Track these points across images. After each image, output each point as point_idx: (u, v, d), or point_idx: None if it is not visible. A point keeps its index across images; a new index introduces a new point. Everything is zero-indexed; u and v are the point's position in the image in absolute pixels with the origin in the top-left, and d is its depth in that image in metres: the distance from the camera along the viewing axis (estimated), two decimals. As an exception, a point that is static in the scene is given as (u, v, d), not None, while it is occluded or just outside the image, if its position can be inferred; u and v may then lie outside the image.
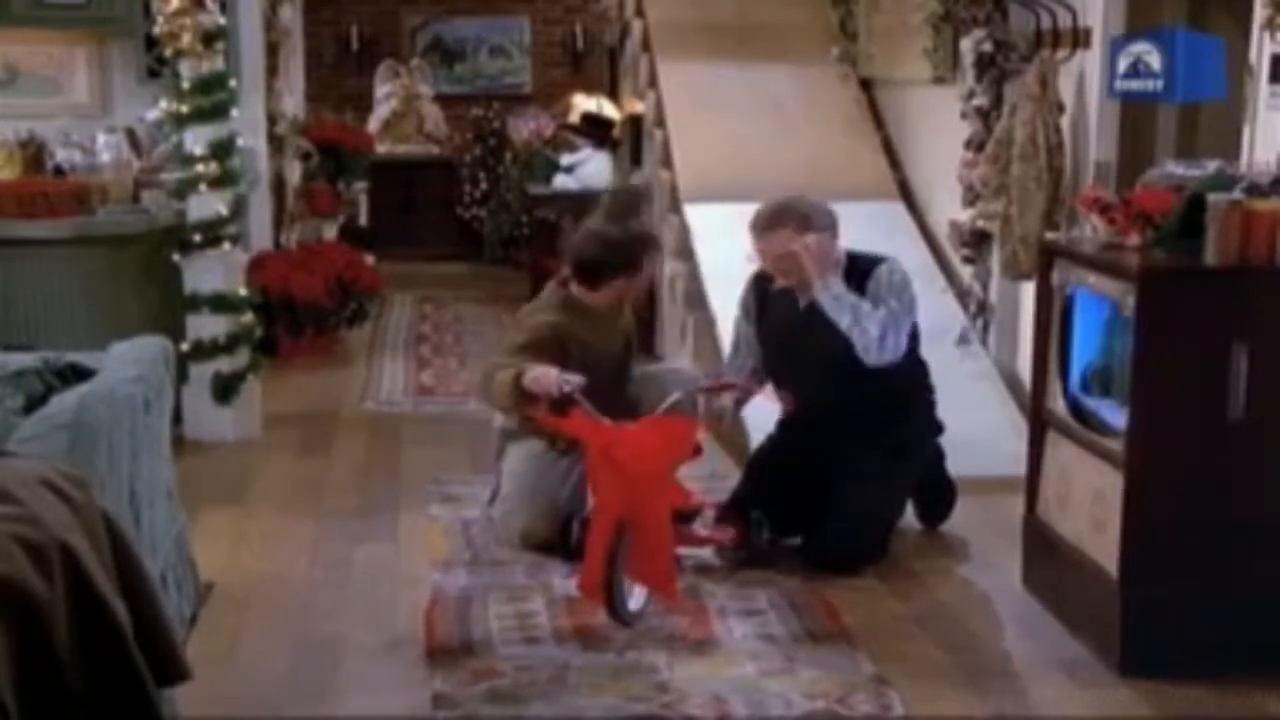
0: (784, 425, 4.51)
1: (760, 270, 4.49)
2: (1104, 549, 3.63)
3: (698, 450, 4.04)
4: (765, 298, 4.47)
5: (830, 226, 4.30)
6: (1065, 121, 5.28)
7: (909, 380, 4.38)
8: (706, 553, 4.35)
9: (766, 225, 4.28)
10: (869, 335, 4.18)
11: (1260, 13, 4.26)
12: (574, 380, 3.98)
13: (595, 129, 9.70)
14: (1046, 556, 4.01)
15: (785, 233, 4.24)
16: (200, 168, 5.54)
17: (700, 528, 4.35)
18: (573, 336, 4.32)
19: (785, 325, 4.39)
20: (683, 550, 4.22)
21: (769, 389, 4.47)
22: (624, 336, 4.59)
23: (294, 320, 7.10)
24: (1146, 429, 3.51)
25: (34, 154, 6.20)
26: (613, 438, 3.93)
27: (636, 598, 3.85)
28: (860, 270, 4.31)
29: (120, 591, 2.45)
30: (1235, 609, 3.52)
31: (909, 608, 4.03)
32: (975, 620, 3.96)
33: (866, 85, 7.51)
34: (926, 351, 4.55)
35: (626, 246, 4.43)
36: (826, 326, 4.22)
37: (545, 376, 3.98)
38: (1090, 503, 3.74)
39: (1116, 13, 5.12)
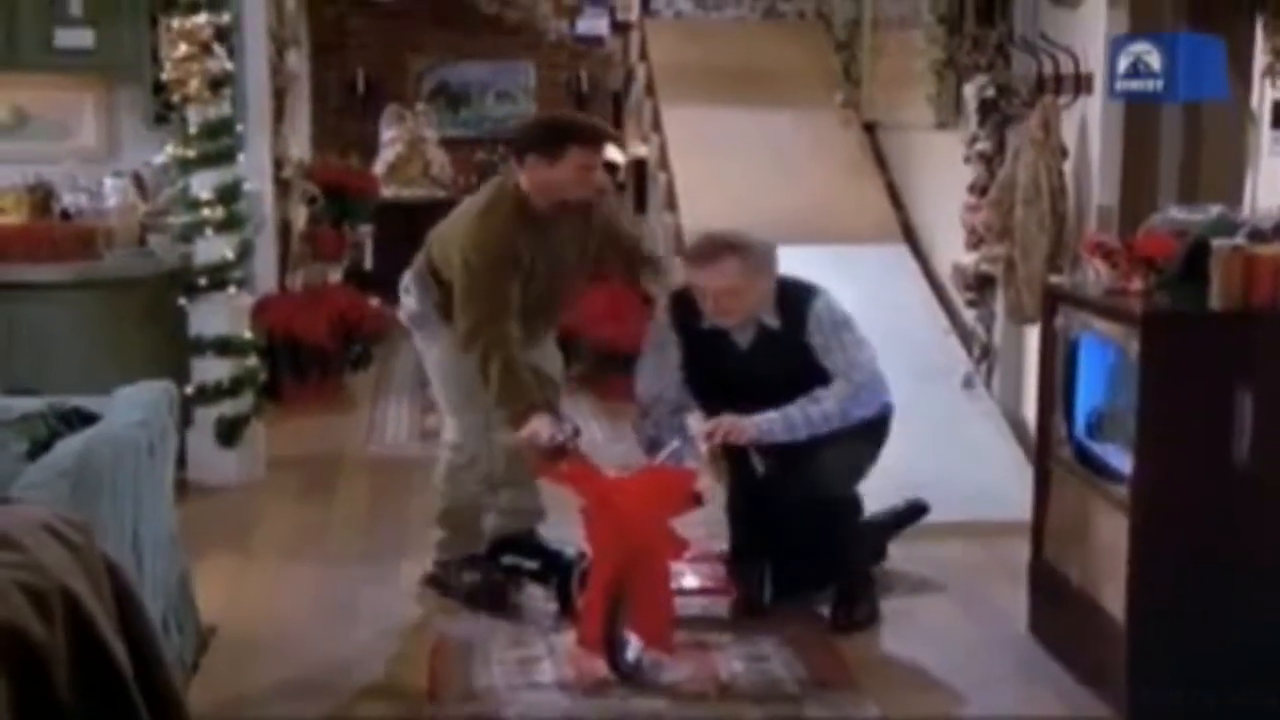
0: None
1: (677, 294, 4.24)
2: (1111, 594, 3.62)
3: (698, 500, 3.93)
4: (689, 331, 4.17)
5: (768, 261, 4.07)
6: (1068, 166, 5.30)
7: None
8: (707, 601, 4.32)
9: (709, 255, 4.02)
10: (838, 417, 4.00)
11: (1261, 60, 4.29)
12: (568, 429, 3.99)
13: (599, 172, 9.72)
14: (1053, 602, 3.99)
15: (730, 262, 3.99)
16: (206, 212, 5.56)
17: (701, 580, 4.32)
18: (519, 244, 4.06)
19: (728, 372, 4.17)
20: (680, 602, 4.19)
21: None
22: (581, 245, 4.28)
23: (298, 363, 7.10)
24: (1152, 473, 3.50)
25: (41, 198, 6.21)
26: (610, 488, 3.92)
27: (632, 649, 3.82)
28: (793, 301, 4.09)
29: (122, 637, 2.44)
30: (1244, 653, 3.49)
31: (914, 652, 4.01)
32: (981, 666, 3.93)
33: (870, 130, 7.55)
34: (930, 393, 4.54)
35: (555, 125, 4.23)
36: (774, 365, 4.07)
37: (539, 430, 3.95)
38: (1096, 547, 3.72)
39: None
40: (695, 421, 4.08)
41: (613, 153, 10.20)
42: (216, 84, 5.50)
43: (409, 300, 4.33)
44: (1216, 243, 3.51)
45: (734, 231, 4.14)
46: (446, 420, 4.42)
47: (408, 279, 4.36)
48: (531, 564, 4.38)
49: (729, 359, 4.16)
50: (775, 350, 4.10)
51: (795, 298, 4.11)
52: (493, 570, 4.34)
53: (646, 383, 4.26)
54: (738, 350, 4.14)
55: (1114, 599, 3.59)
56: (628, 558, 3.77)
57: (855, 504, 4.31)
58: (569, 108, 11.64)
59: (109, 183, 6.09)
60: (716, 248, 4.04)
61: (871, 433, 4.18)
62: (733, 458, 4.32)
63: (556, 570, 4.29)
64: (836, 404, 4.01)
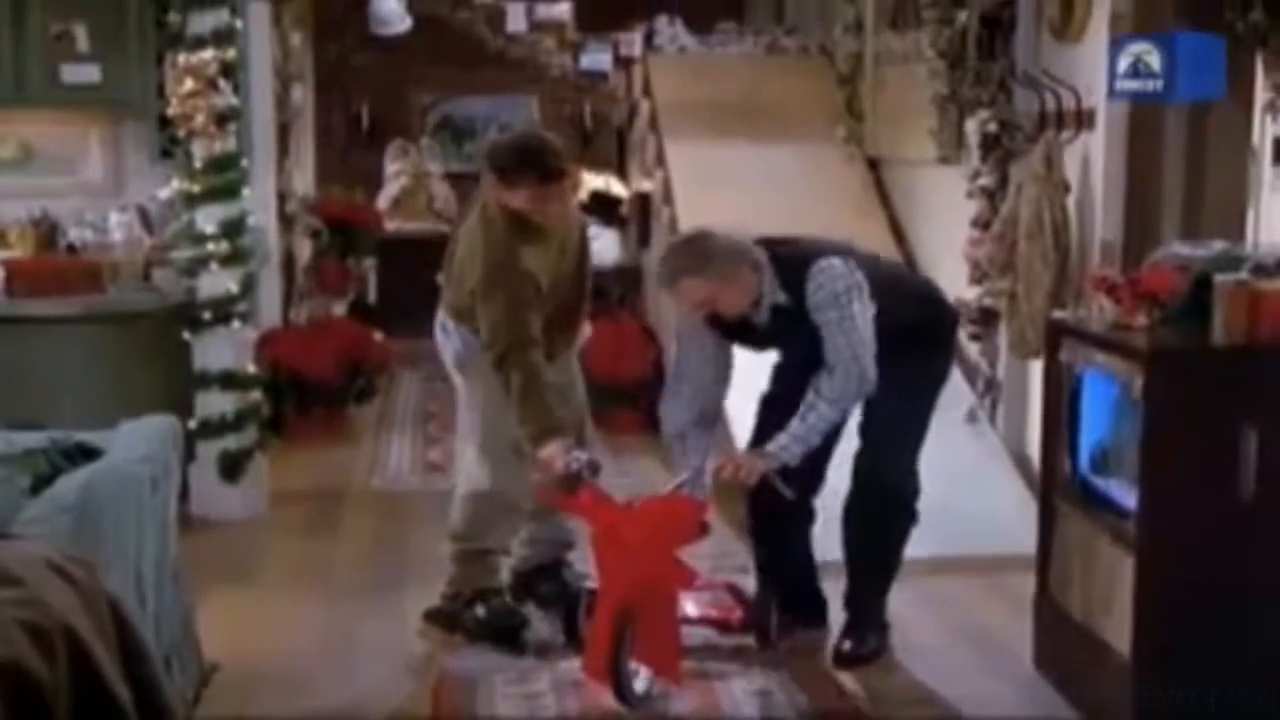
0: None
1: None
2: (1116, 629, 3.61)
3: (704, 529, 3.97)
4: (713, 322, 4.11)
5: (733, 263, 3.94)
6: (1070, 201, 5.31)
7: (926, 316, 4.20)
8: (713, 631, 4.31)
9: (670, 281, 3.98)
10: (838, 414, 4.03)
11: (1261, 96, 4.30)
12: (582, 458, 3.99)
13: (603, 207, 9.76)
14: (1058, 636, 3.98)
15: (690, 281, 3.92)
16: (211, 246, 5.57)
17: (705, 609, 4.32)
18: (527, 257, 4.10)
19: (758, 343, 4.19)
20: (686, 631, 4.19)
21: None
22: (575, 255, 4.37)
23: (302, 397, 7.10)
24: (1156, 509, 3.49)
25: (46, 232, 6.25)
26: (618, 517, 3.92)
27: (641, 679, 3.81)
28: (793, 280, 3.98)
29: (123, 674, 2.44)
30: (1249, 690, 3.48)
31: (919, 686, 4.00)
32: (985, 700, 3.92)
33: (873, 164, 7.57)
34: (933, 427, 4.50)
35: (513, 155, 4.15)
36: (798, 334, 4.01)
37: (554, 456, 3.95)
38: (1101, 583, 3.71)
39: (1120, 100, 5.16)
40: (710, 459, 4.11)
41: (616, 187, 10.26)
42: (222, 119, 5.53)
43: (450, 342, 4.33)
44: (1220, 278, 3.52)
45: (691, 242, 4.05)
46: (473, 466, 4.33)
47: (443, 318, 4.39)
48: (542, 594, 4.42)
49: (754, 335, 4.13)
50: (792, 323, 4.02)
51: (794, 274, 4.00)
52: (503, 605, 4.33)
53: (673, 369, 4.25)
54: (758, 327, 4.08)
55: (1119, 634, 3.58)
56: (635, 587, 3.77)
57: (888, 538, 4.30)
58: (574, 142, 11.69)
59: (114, 217, 6.12)
60: (673, 274, 3.96)
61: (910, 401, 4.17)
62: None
63: (565, 601, 4.30)
64: (829, 406, 3.97)
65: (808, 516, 4.33)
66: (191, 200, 5.62)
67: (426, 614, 4.40)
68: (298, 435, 6.98)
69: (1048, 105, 5.47)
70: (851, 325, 3.94)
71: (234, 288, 5.62)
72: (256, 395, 5.79)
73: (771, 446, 4.03)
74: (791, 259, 4.04)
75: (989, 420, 5.98)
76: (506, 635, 4.24)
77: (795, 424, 3.99)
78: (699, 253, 3.96)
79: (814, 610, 4.35)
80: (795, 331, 4.04)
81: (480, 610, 4.30)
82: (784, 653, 4.17)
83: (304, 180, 8.89)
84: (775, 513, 4.23)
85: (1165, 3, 4.90)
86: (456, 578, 4.35)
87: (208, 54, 5.45)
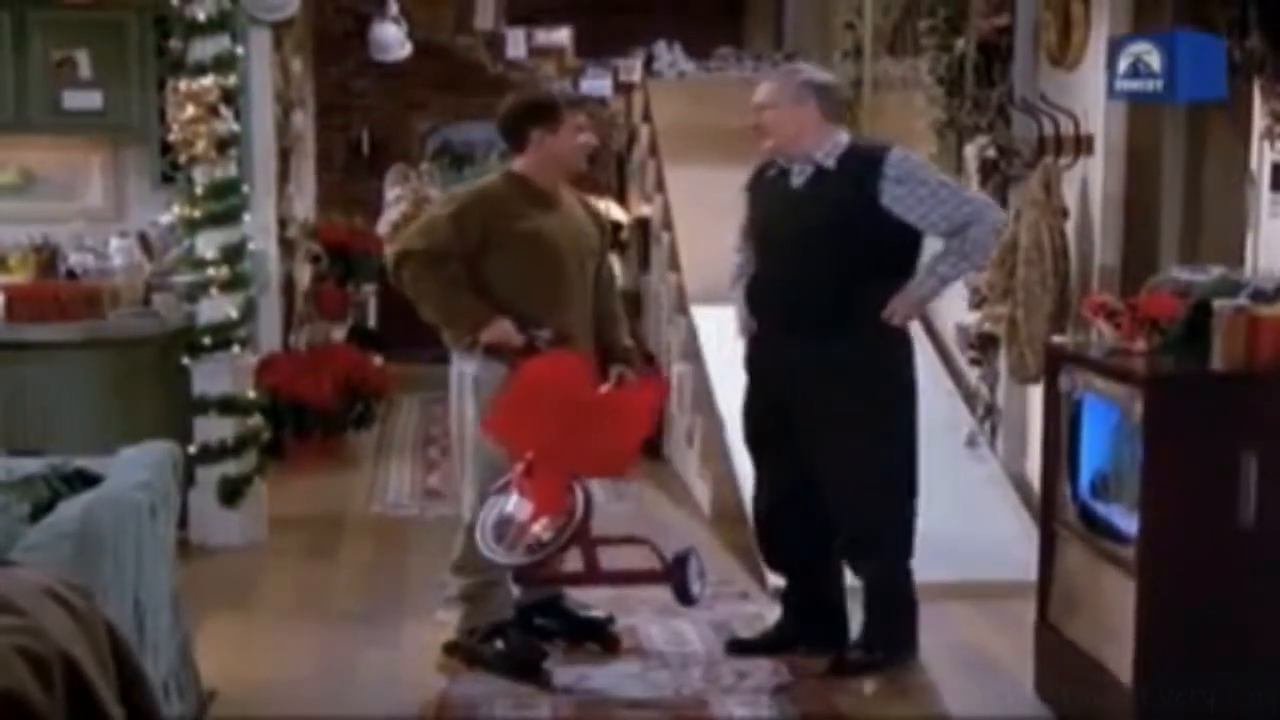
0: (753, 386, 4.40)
1: (760, 165, 4.43)
2: (1117, 656, 3.60)
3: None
4: (760, 182, 4.40)
5: (811, 96, 4.18)
6: (1069, 226, 5.32)
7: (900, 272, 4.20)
8: (698, 647, 4.32)
9: (764, 79, 4.38)
10: (972, 256, 4.19)
11: (1259, 122, 4.32)
12: (543, 334, 4.05)
13: (603, 232, 9.77)
14: (1059, 663, 3.97)
15: (767, 85, 4.26)
16: (211, 271, 5.58)
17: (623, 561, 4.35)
18: (506, 208, 4.17)
19: (773, 206, 4.31)
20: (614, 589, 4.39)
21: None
22: (590, 235, 4.41)
23: (301, 422, 7.09)
24: (1157, 535, 3.49)
25: (47, 258, 6.25)
26: (596, 397, 4.09)
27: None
28: (862, 151, 4.21)
29: (121, 702, 2.43)
30: (1252, 715, 3.47)
31: (919, 712, 3.98)
32: (987, 729, 3.92)
33: (872, 189, 7.58)
34: (933, 453, 4.51)
35: (541, 99, 4.43)
36: (822, 204, 4.13)
37: (507, 332, 4.04)
38: (1102, 609, 3.71)
39: (1118, 125, 5.18)
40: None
41: (615, 211, 10.28)
42: (223, 145, 5.54)
43: (467, 363, 4.29)
44: (1218, 303, 3.53)
45: (800, 67, 4.73)
46: (467, 494, 4.28)
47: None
48: (556, 626, 4.44)
49: (784, 199, 4.26)
50: (824, 189, 4.15)
51: (866, 149, 4.26)
52: (519, 637, 4.30)
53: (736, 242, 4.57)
54: (791, 189, 4.24)
55: (1120, 660, 3.57)
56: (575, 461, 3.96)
57: (891, 561, 4.28)
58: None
59: (115, 243, 6.13)
60: (767, 76, 4.50)
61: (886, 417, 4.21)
62: (762, 470, 4.40)
63: (586, 634, 4.37)
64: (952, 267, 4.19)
65: (831, 552, 4.31)
66: (192, 226, 5.63)
67: (446, 647, 4.35)
68: (297, 461, 6.97)
69: (1046, 131, 5.48)
70: (954, 187, 4.22)
71: (234, 313, 5.63)
72: (256, 421, 5.79)
73: (914, 289, 4.16)
74: (869, 144, 4.45)
75: (989, 445, 5.98)
76: (527, 668, 4.20)
77: (933, 268, 4.17)
78: (792, 71, 4.54)
79: (829, 636, 4.32)
80: (815, 205, 4.14)
81: (499, 644, 4.26)
82: (783, 673, 4.16)
83: (304, 205, 8.91)
84: (794, 553, 4.34)
85: (1164, 27, 4.91)
86: (470, 614, 4.30)
87: (209, 80, 5.47)
